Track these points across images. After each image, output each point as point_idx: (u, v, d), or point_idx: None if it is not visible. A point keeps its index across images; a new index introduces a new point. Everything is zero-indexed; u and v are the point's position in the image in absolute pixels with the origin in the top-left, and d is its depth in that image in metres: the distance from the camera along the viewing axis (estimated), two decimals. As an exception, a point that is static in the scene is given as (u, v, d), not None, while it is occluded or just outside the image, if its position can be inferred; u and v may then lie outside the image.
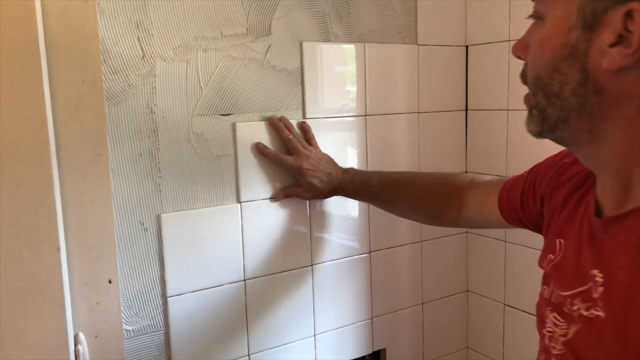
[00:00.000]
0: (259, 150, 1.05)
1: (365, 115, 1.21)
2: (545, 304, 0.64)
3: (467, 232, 1.42)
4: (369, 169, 1.22)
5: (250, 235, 1.08)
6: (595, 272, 0.54)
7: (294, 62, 1.10)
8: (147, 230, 0.97)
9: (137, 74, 0.94)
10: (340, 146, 1.19)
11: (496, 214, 0.85)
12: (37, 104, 0.55)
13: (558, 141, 0.58)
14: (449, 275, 1.41)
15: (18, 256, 0.61)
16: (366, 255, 1.24)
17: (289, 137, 1.06)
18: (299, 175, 1.06)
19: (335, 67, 1.17)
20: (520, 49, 0.58)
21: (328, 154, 1.11)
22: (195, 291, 1.02)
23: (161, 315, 1.00)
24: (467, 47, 1.35)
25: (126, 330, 0.95)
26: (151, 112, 0.96)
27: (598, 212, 0.58)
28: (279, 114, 1.10)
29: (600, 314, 0.52)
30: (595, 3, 0.48)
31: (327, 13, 1.14)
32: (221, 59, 1.02)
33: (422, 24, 1.27)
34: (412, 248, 1.32)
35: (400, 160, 1.28)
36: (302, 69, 1.11)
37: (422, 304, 1.36)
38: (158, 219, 0.98)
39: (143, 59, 0.94)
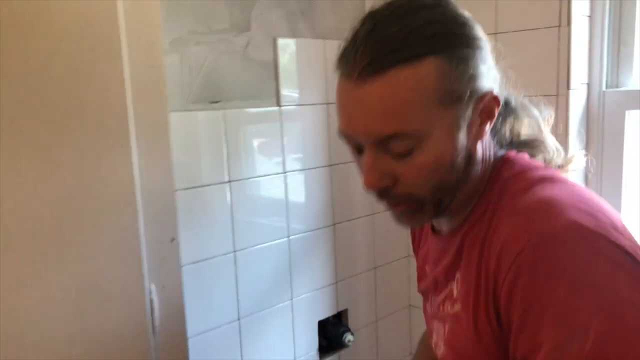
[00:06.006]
0: None
1: (328, 104, 1.37)
2: (429, 318, 0.70)
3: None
4: (332, 152, 1.38)
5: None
6: (458, 275, 0.61)
7: (269, 55, 1.23)
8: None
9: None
10: (310, 131, 1.34)
11: None
12: (119, 88, 0.65)
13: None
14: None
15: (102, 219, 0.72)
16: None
17: None
18: None
19: (305, 61, 1.31)
20: (388, 179, 0.56)
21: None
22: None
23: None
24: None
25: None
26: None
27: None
28: (258, 102, 1.22)
29: (459, 308, 0.59)
30: (465, 108, 0.54)
31: (294, 12, 1.28)
32: (210, 52, 1.12)
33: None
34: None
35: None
36: (275, 62, 1.25)
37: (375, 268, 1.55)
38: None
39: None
